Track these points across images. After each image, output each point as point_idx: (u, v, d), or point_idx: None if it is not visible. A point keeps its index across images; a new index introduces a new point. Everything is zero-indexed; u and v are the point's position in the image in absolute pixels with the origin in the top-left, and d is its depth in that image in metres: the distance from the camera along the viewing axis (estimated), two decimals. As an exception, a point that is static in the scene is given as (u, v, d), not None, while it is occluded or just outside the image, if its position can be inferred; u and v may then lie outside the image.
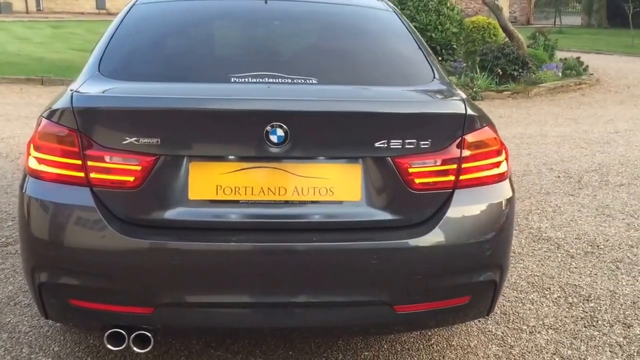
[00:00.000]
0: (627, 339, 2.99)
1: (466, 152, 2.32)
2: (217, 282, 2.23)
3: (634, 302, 3.36)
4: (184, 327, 2.33)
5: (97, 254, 2.22)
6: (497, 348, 2.91)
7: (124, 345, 2.29)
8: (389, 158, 2.26)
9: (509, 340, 2.97)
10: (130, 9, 2.95)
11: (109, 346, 2.29)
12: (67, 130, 2.22)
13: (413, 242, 2.24)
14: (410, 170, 2.27)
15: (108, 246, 2.20)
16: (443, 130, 2.33)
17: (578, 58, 13.03)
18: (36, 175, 2.30)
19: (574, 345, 2.93)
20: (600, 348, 2.92)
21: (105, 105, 2.27)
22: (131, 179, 2.21)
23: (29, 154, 2.35)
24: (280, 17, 3.03)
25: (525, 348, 2.91)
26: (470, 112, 2.36)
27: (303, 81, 2.45)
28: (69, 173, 2.23)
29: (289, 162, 2.25)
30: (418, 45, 2.88)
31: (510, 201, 2.44)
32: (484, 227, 2.35)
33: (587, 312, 3.25)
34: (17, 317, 3.10)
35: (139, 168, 2.20)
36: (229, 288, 2.25)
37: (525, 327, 3.09)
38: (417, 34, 2.99)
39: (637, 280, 3.63)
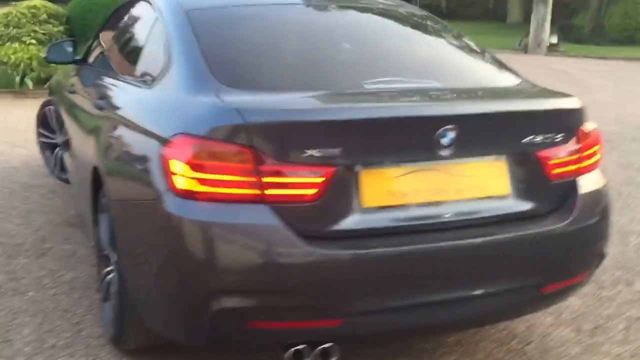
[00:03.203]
0: (638, 294, 3.50)
1: (583, 142, 2.60)
2: (400, 285, 2.27)
3: (616, 263, 3.90)
4: (370, 333, 2.33)
5: (286, 270, 2.13)
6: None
7: None
8: (532, 152, 2.45)
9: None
10: (187, 15, 2.77)
11: None
12: (238, 147, 2.10)
13: (558, 227, 2.47)
14: (550, 162, 2.48)
15: (297, 261, 2.13)
16: (570, 123, 2.59)
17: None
18: (196, 197, 2.12)
19: (604, 305, 3.36)
20: (626, 305, 3.38)
21: (282, 119, 2.19)
22: (312, 191, 2.15)
23: (172, 174, 2.13)
24: (346, 23, 3.11)
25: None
26: (583, 105, 2.63)
27: (428, 84, 2.54)
28: (243, 191, 2.12)
29: (449, 163, 2.34)
30: (480, 49, 3.11)
31: (606, 184, 2.78)
32: (600, 208, 2.66)
33: (588, 276, 3.71)
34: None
35: (320, 180, 2.15)
36: (409, 289, 2.29)
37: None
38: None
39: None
